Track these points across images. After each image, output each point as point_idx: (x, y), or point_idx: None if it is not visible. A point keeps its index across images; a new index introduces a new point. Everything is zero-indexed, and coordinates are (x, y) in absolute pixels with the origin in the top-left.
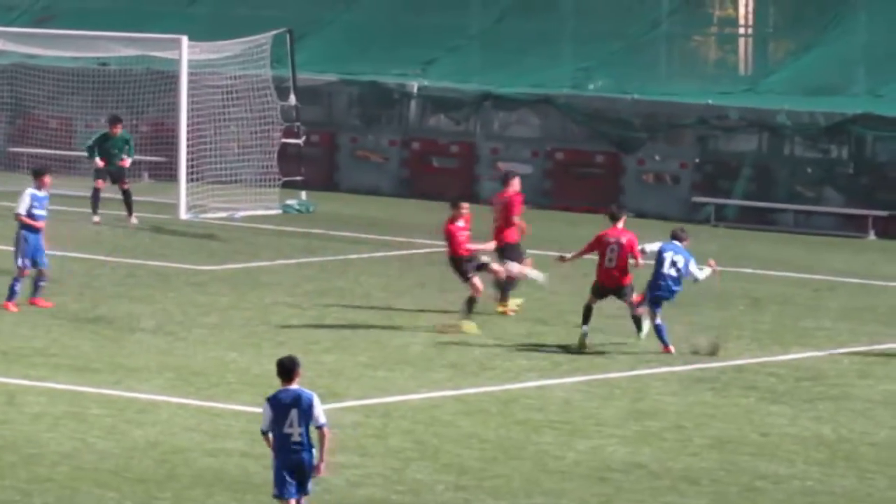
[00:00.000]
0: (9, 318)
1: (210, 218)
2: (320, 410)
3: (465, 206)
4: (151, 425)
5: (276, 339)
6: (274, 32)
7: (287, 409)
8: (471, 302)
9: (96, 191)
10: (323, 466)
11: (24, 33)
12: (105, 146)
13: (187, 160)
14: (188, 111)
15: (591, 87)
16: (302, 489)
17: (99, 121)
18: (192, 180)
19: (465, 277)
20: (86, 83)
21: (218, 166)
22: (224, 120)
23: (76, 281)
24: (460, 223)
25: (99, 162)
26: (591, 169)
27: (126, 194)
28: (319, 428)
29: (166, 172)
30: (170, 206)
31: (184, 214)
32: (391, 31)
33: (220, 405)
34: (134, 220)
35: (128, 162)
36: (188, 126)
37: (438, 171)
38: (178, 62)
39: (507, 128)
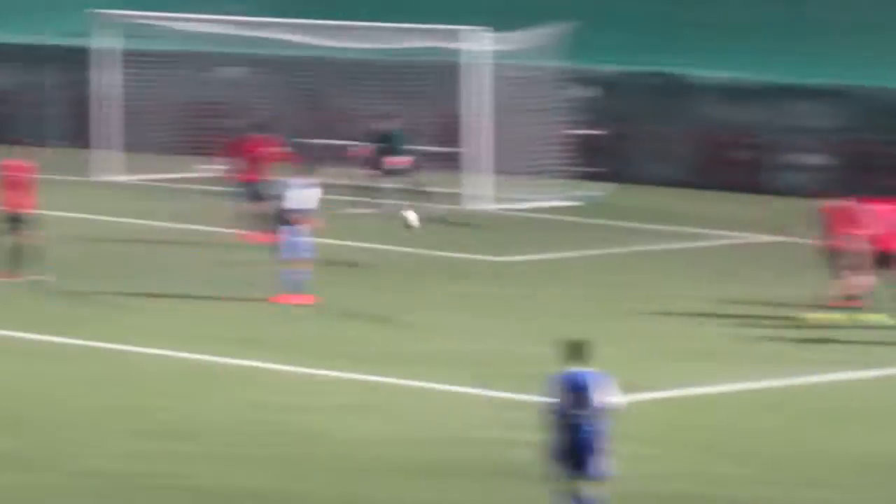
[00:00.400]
0: (298, 311)
1: (504, 209)
2: (609, 393)
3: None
4: (448, 415)
5: (573, 329)
6: (569, 23)
7: (574, 389)
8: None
9: (365, 181)
10: (607, 449)
11: (319, 25)
12: (382, 141)
13: (480, 152)
14: (481, 102)
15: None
16: (583, 470)
17: (391, 114)
18: (485, 172)
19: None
20: (378, 75)
21: (511, 157)
22: (518, 111)
23: (366, 271)
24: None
25: (366, 153)
26: (887, 160)
27: (408, 187)
28: (606, 410)
29: (458, 164)
30: (462, 198)
31: (477, 206)
32: (683, 21)
33: (516, 396)
34: (411, 213)
35: (404, 160)
36: (481, 117)
37: (730, 162)
38: (472, 53)
39: (800, 119)
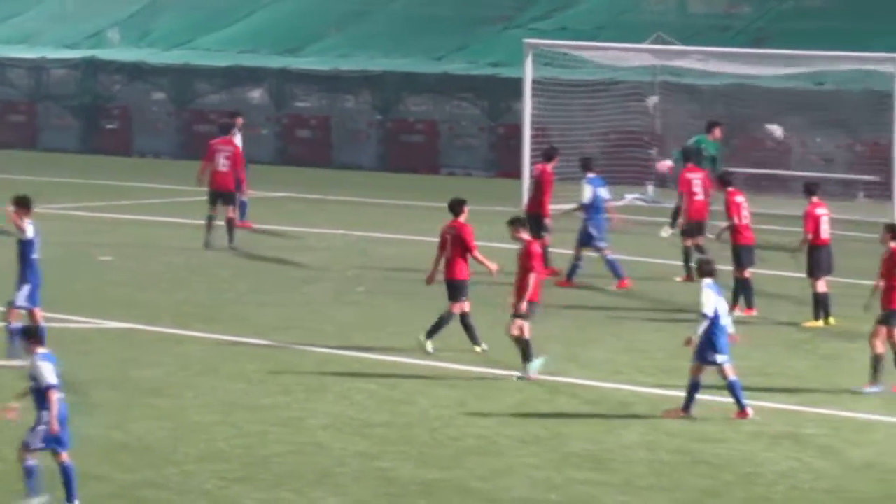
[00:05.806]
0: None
1: None
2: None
3: None
4: (868, 445)
5: None
6: None
7: None
8: None
9: None
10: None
11: (738, 53)
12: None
13: None
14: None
15: None
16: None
17: (815, 141)
18: None
19: None
20: (800, 103)
21: None
22: None
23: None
24: None
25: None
26: None
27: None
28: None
29: (882, 192)
30: None
31: None
32: None
33: None
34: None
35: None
36: None
37: None
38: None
39: None
